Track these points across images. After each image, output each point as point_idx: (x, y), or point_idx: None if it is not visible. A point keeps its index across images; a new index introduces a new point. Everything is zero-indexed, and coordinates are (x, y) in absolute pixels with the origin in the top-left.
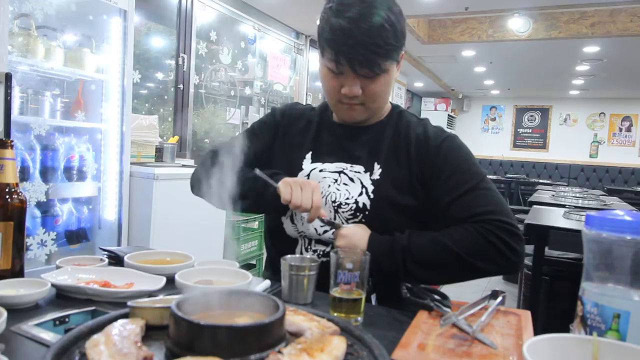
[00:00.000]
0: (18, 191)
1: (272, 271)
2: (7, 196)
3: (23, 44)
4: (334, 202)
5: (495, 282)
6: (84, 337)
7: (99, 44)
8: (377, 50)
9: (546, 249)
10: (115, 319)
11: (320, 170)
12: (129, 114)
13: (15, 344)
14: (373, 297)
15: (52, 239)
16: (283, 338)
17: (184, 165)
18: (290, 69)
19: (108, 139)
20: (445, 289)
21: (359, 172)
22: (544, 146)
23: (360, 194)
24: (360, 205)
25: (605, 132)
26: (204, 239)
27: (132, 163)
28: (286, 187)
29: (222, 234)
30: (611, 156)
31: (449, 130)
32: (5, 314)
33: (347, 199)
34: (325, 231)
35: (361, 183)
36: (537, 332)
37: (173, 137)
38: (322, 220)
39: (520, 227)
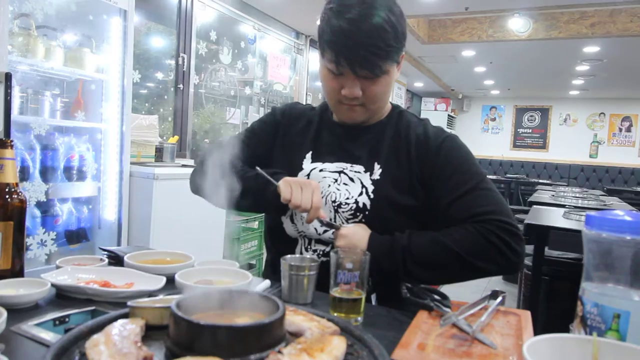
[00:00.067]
0: (18, 191)
1: (272, 271)
2: (7, 196)
3: (23, 44)
4: (334, 202)
5: (495, 282)
6: (84, 337)
7: (99, 43)
8: (377, 52)
9: (546, 249)
10: (115, 319)
11: (321, 170)
12: (129, 114)
13: (15, 344)
14: (373, 297)
15: (52, 239)
16: (283, 338)
17: (183, 165)
18: (290, 69)
19: (108, 138)
20: (445, 289)
21: (359, 172)
22: (543, 146)
23: (360, 194)
24: (360, 205)
25: (605, 132)
26: (204, 239)
27: (132, 163)
28: (286, 187)
29: (222, 234)
30: (611, 156)
31: (449, 131)
32: (5, 313)
33: (347, 198)
34: (325, 231)
35: (361, 183)
36: (537, 332)
37: (173, 137)
38: (321, 222)
39: (520, 227)
